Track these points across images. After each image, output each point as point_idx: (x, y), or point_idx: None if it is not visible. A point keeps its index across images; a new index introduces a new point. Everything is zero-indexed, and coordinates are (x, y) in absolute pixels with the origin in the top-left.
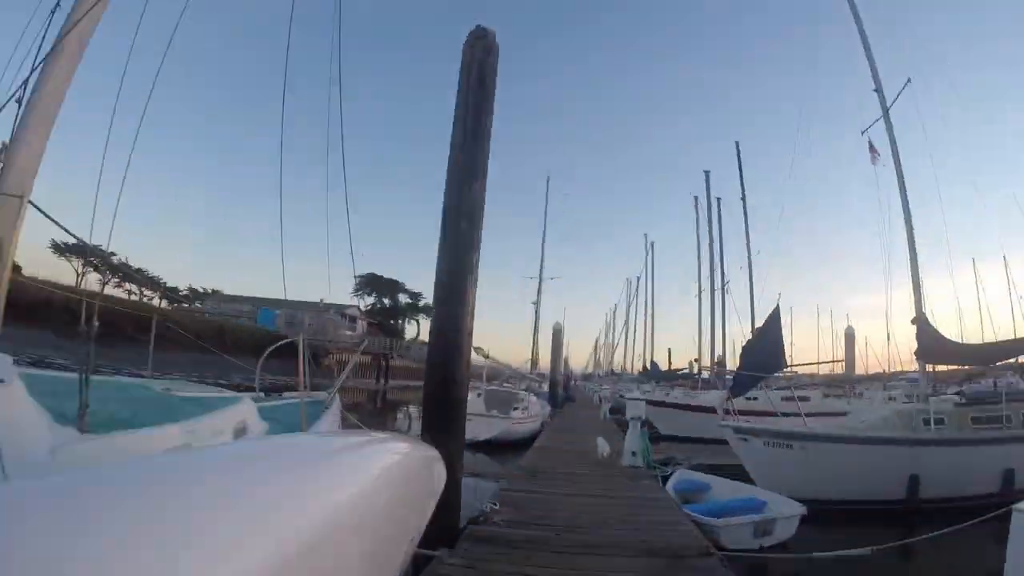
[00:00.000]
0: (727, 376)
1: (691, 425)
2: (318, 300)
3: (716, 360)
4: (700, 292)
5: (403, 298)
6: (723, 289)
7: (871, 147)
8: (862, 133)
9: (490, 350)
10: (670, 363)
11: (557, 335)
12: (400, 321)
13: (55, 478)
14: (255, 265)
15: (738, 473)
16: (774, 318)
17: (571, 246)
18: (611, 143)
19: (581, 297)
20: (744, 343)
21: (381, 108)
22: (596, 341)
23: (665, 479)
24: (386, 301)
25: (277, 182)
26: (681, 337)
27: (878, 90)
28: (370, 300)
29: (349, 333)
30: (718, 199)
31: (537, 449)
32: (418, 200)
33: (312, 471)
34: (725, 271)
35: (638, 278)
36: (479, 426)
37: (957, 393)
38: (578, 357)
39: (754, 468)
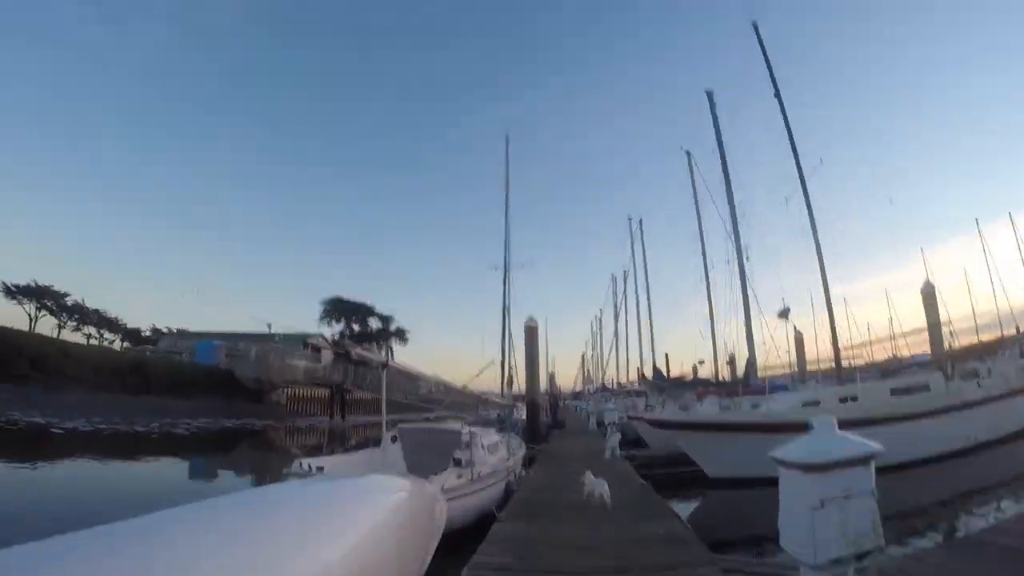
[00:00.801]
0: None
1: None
2: (267, 330)
3: (737, 361)
4: (707, 272)
5: (374, 322)
6: (741, 260)
7: None
8: None
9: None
10: (668, 370)
11: (531, 335)
12: (371, 347)
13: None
14: (228, 301)
15: None
16: None
17: (552, 253)
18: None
19: (567, 308)
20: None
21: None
22: (583, 355)
23: None
24: (355, 327)
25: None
26: (680, 339)
27: None
28: (338, 327)
29: (302, 364)
30: (720, 146)
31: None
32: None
33: (314, 518)
34: (743, 241)
35: (625, 272)
36: None
37: None
38: (567, 375)
39: None
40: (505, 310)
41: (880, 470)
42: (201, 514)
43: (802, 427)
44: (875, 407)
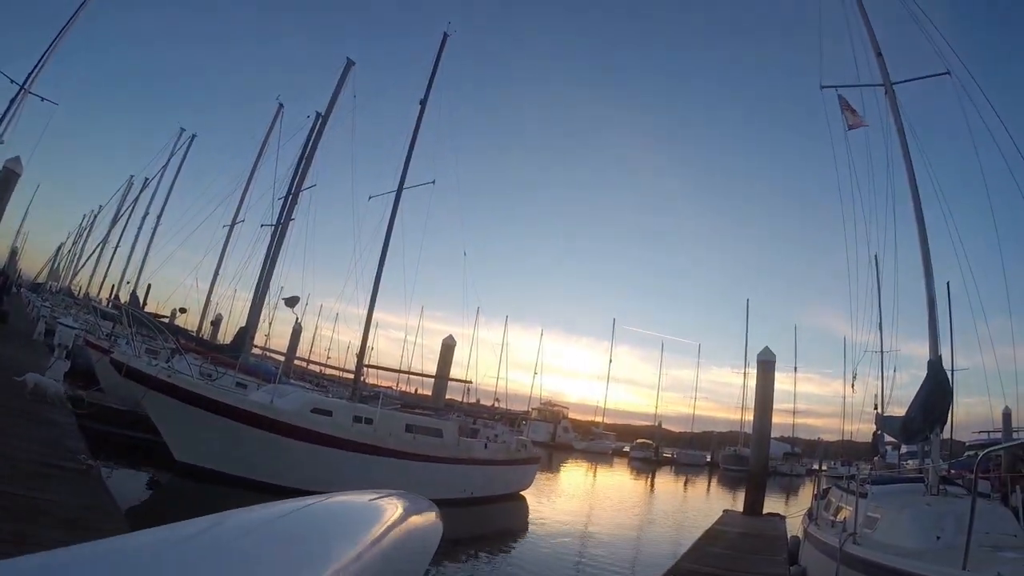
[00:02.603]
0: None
1: (248, 455)
2: None
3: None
4: (234, 222)
5: None
6: (285, 226)
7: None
8: None
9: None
10: (145, 303)
11: (7, 178)
12: None
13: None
14: None
15: None
16: None
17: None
18: None
19: (68, 184)
20: None
21: None
22: (60, 247)
23: None
24: None
25: None
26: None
27: None
28: None
29: None
30: None
31: None
32: None
33: (306, 540)
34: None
35: (147, 179)
36: None
37: None
38: (36, 260)
39: None
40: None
41: None
42: (193, 533)
43: (312, 436)
44: (388, 438)
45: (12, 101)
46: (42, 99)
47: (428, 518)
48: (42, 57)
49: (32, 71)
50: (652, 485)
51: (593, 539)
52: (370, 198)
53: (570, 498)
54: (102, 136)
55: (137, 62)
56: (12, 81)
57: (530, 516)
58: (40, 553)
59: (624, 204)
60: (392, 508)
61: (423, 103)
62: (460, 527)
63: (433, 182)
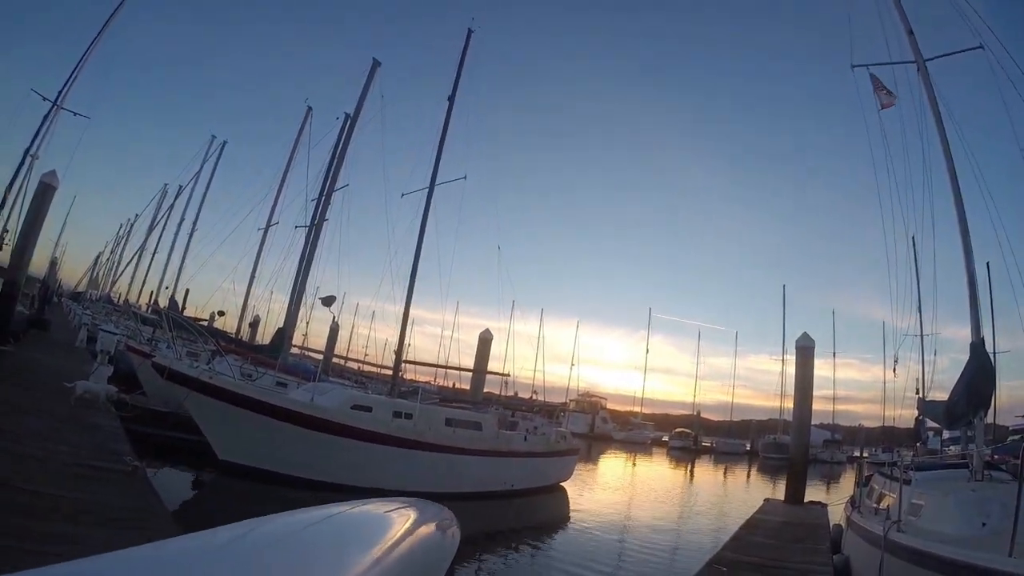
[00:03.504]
0: None
1: (290, 452)
2: None
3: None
4: (269, 225)
5: None
6: (319, 227)
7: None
8: None
9: None
10: (184, 307)
11: (45, 192)
12: None
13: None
14: None
15: None
16: None
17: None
18: None
19: (104, 194)
20: None
21: None
22: (99, 256)
23: None
24: None
25: None
26: (204, 287)
27: None
28: None
29: None
30: None
31: None
32: None
33: (327, 548)
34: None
35: (180, 187)
36: None
37: None
38: (75, 271)
39: None
40: (28, 152)
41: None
42: (219, 542)
43: (353, 432)
44: (428, 432)
45: (45, 118)
46: (75, 114)
47: (445, 525)
48: (72, 73)
49: (63, 88)
50: (691, 474)
51: (634, 529)
52: (403, 195)
53: (610, 489)
54: (135, 146)
55: (166, 72)
56: (44, 98)
57: (571, 507)
58: (75, 561)
59: (655, 193)
60: (409, 516)
61: (451, 99)
62: (501, 520)
63: (464, 177)
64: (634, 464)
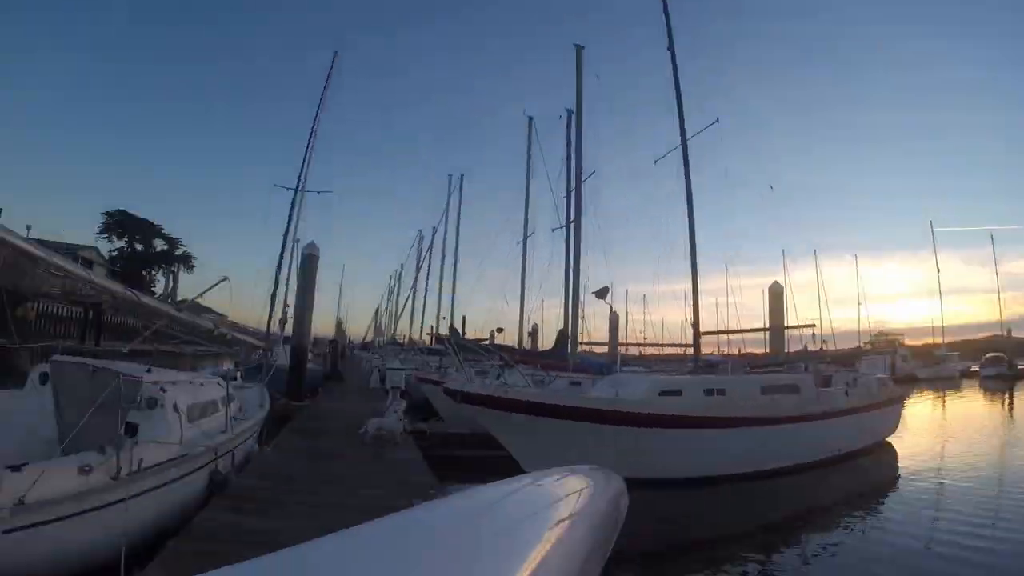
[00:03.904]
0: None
1: (603, 453)
2: (25, 233)
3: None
4: (526, 236)
5: (159, 244)
6: (577, 223)
7: None
8: None
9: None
10: (464, 332)
11: (309, 264)
12: (152, 271)
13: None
14: None
15: None
16: None
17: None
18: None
19: (370, 260)
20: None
21: None
22: (377, 308)
23: None
24: (138, 246)
25: None
26: (479, 309)
27: None
28: (120, 244)
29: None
30: (578, 109)
31: None
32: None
33: (516, 519)
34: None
35: (434, 228)
36: None
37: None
38: (359, 328)
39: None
40: (287, 235)
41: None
42: (420, 519)
43: (666, 421)
44: (744, 404)
45: (292, 203)
46: (319, 192)
47: (618, 493)
48: (304, 159)
49: (300, 173)
50: (1010, 406)
51: (983, 482)
52: (655, 161)
53: (934, 436)
54: (377, 205)
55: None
56: (287, 188)
57: (900, 465)
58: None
59: (922, 96)
60: (580, 484)
61: (670, 50)
62: (829, 492)
63: (717, 120)
64: (944, 403)
